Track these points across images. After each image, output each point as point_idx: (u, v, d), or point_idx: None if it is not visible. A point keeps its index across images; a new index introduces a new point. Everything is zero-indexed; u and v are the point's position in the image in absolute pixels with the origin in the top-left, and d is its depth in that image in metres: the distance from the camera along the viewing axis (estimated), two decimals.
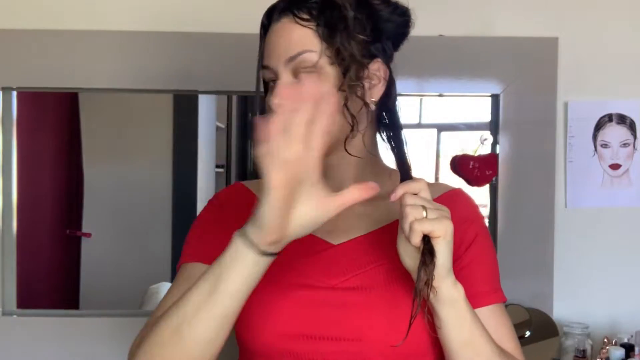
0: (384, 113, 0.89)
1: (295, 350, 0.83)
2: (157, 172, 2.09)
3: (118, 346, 1.71)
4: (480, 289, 0.85)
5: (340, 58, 0.80)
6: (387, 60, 0.87)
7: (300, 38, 0.81)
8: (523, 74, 1.66)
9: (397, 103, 0.89)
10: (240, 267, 0.70)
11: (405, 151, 0.85)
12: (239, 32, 1.61)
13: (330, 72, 0.81)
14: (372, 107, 0.84)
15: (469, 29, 1.63)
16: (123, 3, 1.65)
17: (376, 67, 0.84)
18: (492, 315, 0.84)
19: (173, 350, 0.73)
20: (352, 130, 0.82)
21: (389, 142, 0.87)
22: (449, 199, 0.87)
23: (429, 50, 1.55)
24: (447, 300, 0.76)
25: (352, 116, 0.81)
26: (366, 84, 0.83)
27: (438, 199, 0.84)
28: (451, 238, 0.74)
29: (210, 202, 0.97)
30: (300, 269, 0.86)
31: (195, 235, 0.93)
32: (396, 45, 0.89)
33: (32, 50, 1.63)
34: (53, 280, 2.04)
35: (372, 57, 0.83)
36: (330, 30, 0.79)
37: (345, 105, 0.80)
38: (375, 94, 0.84)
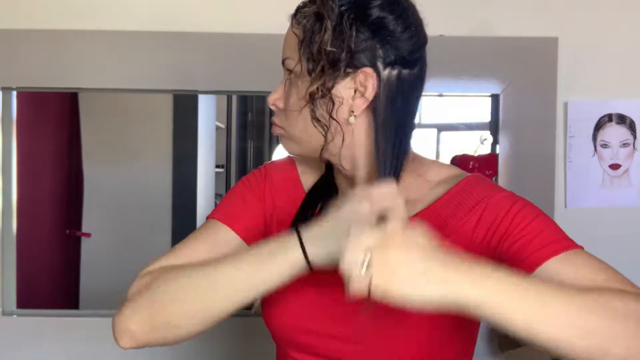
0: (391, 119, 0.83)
1: (309, 344, 0.87)
2: (157, 172, 2.09)
3: (118, 346, 1.71)
4: (532, 249, 0.77)
5: (309, 67, 0.80)
6: (389, 70, 0.80)
7: (289, 44, 0.84)
8: (523, 74, 1.66)
9: (401, 117, 0.82)
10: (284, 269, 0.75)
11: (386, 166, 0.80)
12: (239, 32, 1.62)
13: (306, 79, 0.81)
14: (351, 120, 0.81)
15: (469, 29, 1.63)
16: (123, 3, 1.65)
17: (362, 78, 0.79)
18: (564, 263, 0.76)
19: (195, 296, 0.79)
20: (325, 139, 0.82)
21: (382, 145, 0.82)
22: (463, 187, 0.85)
23: (429, 50, 1.55)
24: (467, 310, 0.66)
25: (323, 126, 0.81)
26: (344, 96, 0.80)
27: (449, 193, 0.84)
28: (402, 278, 0.65)
29: (258, 169, 0.98)
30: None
31: (235, 196, 0.95)
32: (407, 54, 0.82)
33: (32, 50, 1.63)
34: (53, 280, 2.05)
35: (358, 67, 0.79)
36: (305, 39, 0.80)
37: (312, 114, 0.81)
38: (356, 106, 0.81)
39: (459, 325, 0.84)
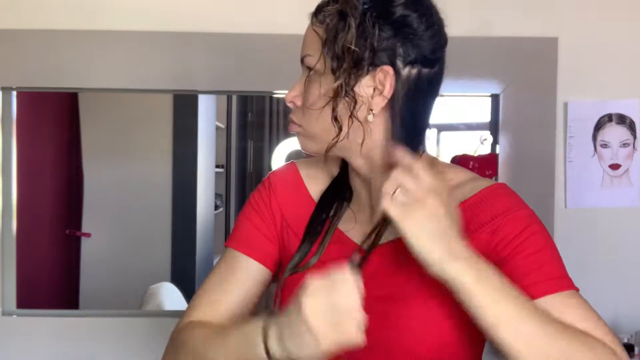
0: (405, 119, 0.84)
1: None
2: (157, 172, 2.09)
3: (118, 346, 1.71)
4: (528, 281, 0.79)
5: (332, 65, 0.80)
6: (409, 68, 0.82)
7: (309, 42, 0.84)
8: (523, 74, 1.66)
9: (418, 117, 0.86)
10: None
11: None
12: (239, 32, 1.62)
13: (329, 77, 0.81)
14: (369, 118, 0.81)
15: (469, 29, 1.63)
16: (123, 3, 1.65)
17: (382, 77, 0.80)
18: (554, 303, 0.78)
19: None
20: (337, 136, 0.82)
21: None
22: (482, 199, 0.85)
23: None
24: (450, 284, 0.73)
25: (342, 124, 0.82)
26: (364, 94, 0.81)
27: (468, 201, 0.84)
28: (421, 224, 0.73)
29: (262, 183, 0.98)
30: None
31: (246, 220, 0.95)
32: (429, 53, 0.83)
33: (32, 50, 1.63)
34: (53, 280, 2.05)
35: (378, 65, 0.80)
36: (328, 37, 0.81)
37: (334, 112, 0.81)
38: (374, 104, 0.82)
39: (469, 334, 0.83)
